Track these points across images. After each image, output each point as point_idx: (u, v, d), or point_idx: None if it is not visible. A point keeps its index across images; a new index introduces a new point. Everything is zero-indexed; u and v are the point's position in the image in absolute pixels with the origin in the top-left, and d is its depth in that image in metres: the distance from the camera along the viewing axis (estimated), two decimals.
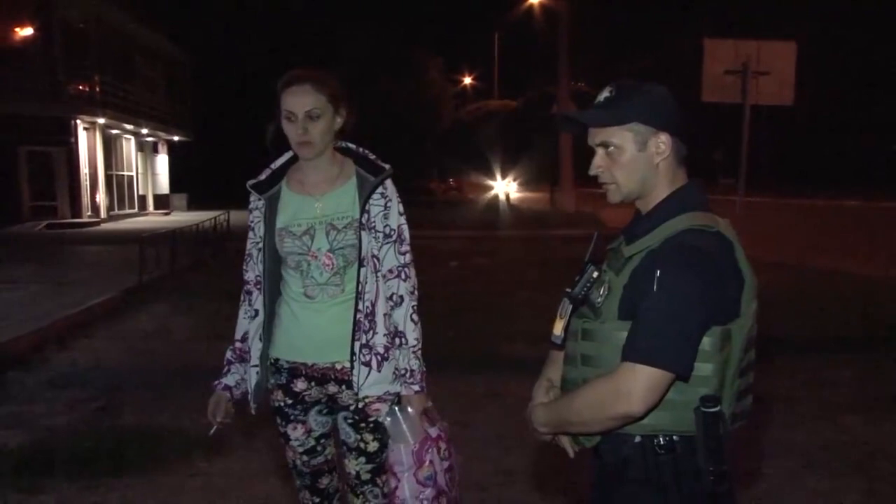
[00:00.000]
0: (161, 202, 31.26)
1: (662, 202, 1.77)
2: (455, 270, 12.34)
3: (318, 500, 2.64)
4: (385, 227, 2.46)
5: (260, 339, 2.52)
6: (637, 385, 1.61)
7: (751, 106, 11.24)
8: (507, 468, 4.23)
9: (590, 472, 1.88)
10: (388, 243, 2.46)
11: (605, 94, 1.80)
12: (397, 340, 2.46)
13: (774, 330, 7.17)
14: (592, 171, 1.84)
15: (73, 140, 23.34)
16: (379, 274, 2.45)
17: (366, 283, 2.43)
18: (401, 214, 2.49)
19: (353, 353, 2.42)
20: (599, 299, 1.74)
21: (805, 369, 6.16)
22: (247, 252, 2.56)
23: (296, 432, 2.56)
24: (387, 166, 2.49)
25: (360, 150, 2.55)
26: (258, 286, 2.53)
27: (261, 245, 2.51)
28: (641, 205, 1.82)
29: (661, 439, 1.69)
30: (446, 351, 6.19)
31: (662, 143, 1.76)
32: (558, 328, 1.86)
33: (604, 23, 35.91)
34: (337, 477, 2.69)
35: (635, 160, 1.78)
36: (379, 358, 2.43)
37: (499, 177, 29.78)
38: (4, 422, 4.99)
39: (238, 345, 2.57)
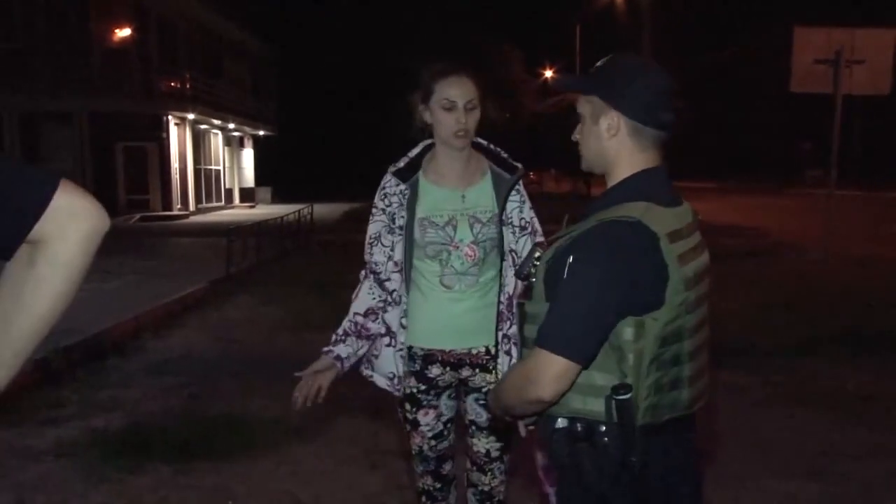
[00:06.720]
0: (247, 195, 32.02)
1: (611, 189, 1.77)
2: None
3: (439, 485, 2.72)
4: (521, 219, 2.58)
5: (403, 327, 2.59)
6: (545, 371, 1.62)
7: (844, 95, 10.85)
8: None
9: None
10: (524, 235, 2.58)
11: (597, 63, 1.83)
12: None
13: (866, 327, 6.93)
14: (573, 137, 1.88)
15: (164, 136, 24.19)
16: (514, 267, 2.53)
17: (506, 275, 2.56)
18: (531, 209, 2.62)
19: (497, 343, 2.55)
20: (534, 280, 1.75)
21: None
22: (374, 235, 2.56)
23: (426, 417, 2.64)
24: (519, 165, 2.61)
25: (492, 146, 2.64)
26: (393, 270, 2.55)
27: (395, 229, 2.54)
28: (608, 182, 1.81)
29: (579, 425, 1.68)
30: None
31: (612, 120, 1.76)
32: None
33: (688, 12, 35.07)
34: (454, 464, 2.76)
35: (590, 133, 1.81)
36: (516, 347, 2.47)
37: None
38: (105, 405, 5.26)
39: (359, 319, 2.56)
